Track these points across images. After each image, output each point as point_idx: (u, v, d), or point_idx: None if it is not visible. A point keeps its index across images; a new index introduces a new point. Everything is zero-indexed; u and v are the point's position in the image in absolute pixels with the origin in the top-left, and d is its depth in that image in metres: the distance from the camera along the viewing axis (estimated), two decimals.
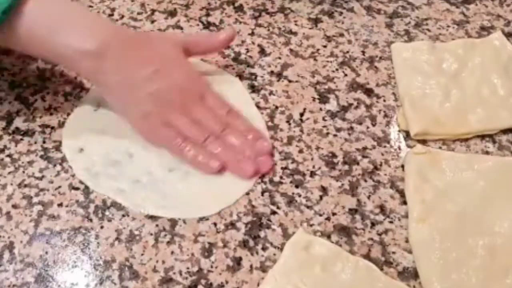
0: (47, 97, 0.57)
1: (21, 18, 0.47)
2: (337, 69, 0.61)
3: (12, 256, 0.46)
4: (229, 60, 0.61)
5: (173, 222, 0.49)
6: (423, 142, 0.55)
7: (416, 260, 0.47)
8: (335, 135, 0.56)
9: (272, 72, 0.61)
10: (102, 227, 0.48)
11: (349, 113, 0.58)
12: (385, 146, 0.55)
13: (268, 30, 0.65)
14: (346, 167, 0.53)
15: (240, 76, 0.60)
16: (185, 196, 0.51)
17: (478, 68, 0.60)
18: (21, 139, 0.54)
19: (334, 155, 0.54)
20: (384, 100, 0.59)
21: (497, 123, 0.56)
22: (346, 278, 0.45)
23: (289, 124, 0.56)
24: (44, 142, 0.54)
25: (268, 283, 0.45)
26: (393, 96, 0.59)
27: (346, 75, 0.61)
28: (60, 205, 0.49)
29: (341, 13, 0.67)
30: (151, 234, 0.48)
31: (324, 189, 0.52)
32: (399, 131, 0.56)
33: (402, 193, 0.51)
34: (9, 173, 0.51)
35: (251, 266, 0.47)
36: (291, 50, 0.63)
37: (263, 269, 0.46)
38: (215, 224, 0.49)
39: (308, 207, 0.50)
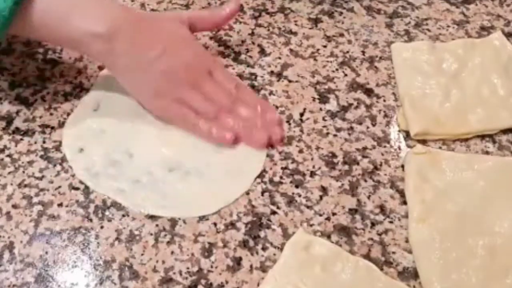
0: (47, 97, 0.57)
1: (33, 6, 0.48)
2: (337, 69, 0.61)
3: (12, 256, 0.46)
4: (229, 60, 0.61)
5: (173, 222, 0.49)
6: (423, 142, 0.55)
7: (416, 260, 0.47)
8: (335, 135, 0.56)
9: (272, 72, 0.61)
10: (102, 227, 0.48)
11: (349, 113, 0.58)
12: (385, 146, 0.55)
13: (268, 30, 0.65)
14: (346, 167, 0.53)
15: (240, 76, 0.60)
16: (185, 196, 0.51)
17: (478, 68, 0.60)
18: (21, 139, 0.54)
19: (334, 155, 0.54)
20: (384, 100, 0.59)
21: (497, 123, 0.56)
22: (346, 278, 0.45)
23: (289, 124, 0.56)
24: (44, 142, 0.54)
25: (268, 283, 0.45)
26: (393, 96, 0.59)
27: (346, 75, 0.61)
28: (60, 205, 0.49)
29: (341, 13, 0.67)
30: (151, 234, 0.48)
31: (324, 189, 0.52)
32: (399, 131, 0.56)
33: (402, 193, 0.51)
34: (9, 173, 0.51)
35: (251, 266, 0.47)
36: (291, 50, 0.63)
37: (263, 269, 0.46)
38: (215, 224, 0.49)
39: (308, 207, 0.50)
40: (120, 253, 0.47)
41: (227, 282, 0.46)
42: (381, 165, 0.54)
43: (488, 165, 0.52)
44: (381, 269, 0.46)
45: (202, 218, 0.49)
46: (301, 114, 0.57)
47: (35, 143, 0.53)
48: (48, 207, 0.49)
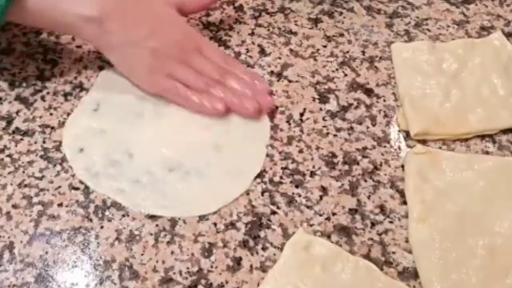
0: (47, 97, 0.57)
1: None
2: (337, 69, 0.61)
3: (12, 256, 0.46)
4: None
5: (173, 222, 0.49)
6: (423, 142, 0.55)
7: (416, 260, 0.47)
8: (335, 135, 0.56)
9: (272, 72, 0.61)
10: (102, 227, 0.48)
11: (349, 113, 0.58)
12: (385, 146, 0.55)
13: (268, 30, 0.65)
14: (346, 167, 0.53)
15: None
16: (185, 195, 0.51)
17: (478, 68, 0.60)
18: (21, 139, 0.54)
19: (334, 155, 0.54)
20: (384, 100, 0.59)
21: (497, 123, 0.56)
22: (346, 278, 0.45)
23: (289, 124, 0.56)
24: (44, 142, 0.54)
25: (268, 283, 0.45)
26: (393, 96, 0.59)
27: (346, 75, 0.61)
28: (60, 205, 0.49)
29: (341, 13, 0.67)
30: (151, 234, 0.48)
31: (324, 189, 0.52)
32: (399, 131, 0.56)
33: (402, 193, 0.51)
34: (9, 173, 0.51)
35: (251, 266, 0.47)
36: (291, 50, 0.63)
37: (263, 269, 0.46)
38: (215, 224, 0.49)
39: (308, 207, 0.50)
40: (120, 253, 0.47)
41: (227, 282, 0.46)
42: (381, 165, 0.54)
43: (488, 165, 0.52)
44: (381, 269, 0.46)
45: (202, 218, 0.49)
46: (301, 114, 0.57)
47: (35, 143, 0.53)
48: (48, 207, 0.49)
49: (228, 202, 0.50)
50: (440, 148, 0.55)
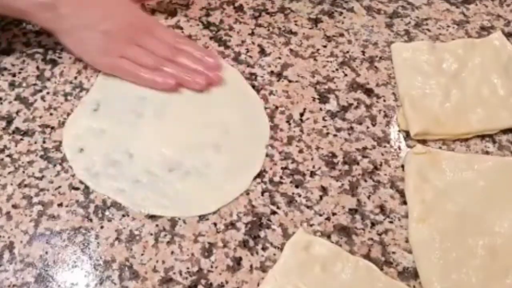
0: (47, 97, 0.57)
1: None
2: (337, 69, 0.61)
3: (12, 256, 0.46)
4: (229, 60, 0.61)
5: (173, 222, 0.49)
6: (423, 142, 0.55)
7: (416, 260, 0.47)
8: (335, 135, 0.56)
9: (272, 72, 0.61)
10: (102, 227, 0.48)
11: (349, 113, 0.58)
12: (385, 146, 0.55)
13: (268, 30, 0.65)
14: (346, 167, 0.53)
15: (241, 75, 0.60)
16: (185, 195, 0.51)
17: (478, 68, 0.60)
18: (21, 139, 0.54)
19: (334, 155, 0.54)
20: (384, 100, 0.59)
21: (497, 123, 0.56)
22: (346, 278, 0.45)
23: (289, 124, 0.56)
24: (44, 142, 0.54)
25: (268, 283, 0.45)
26: (393, 96, 0.59)
27: (346, 75, 0.61)
28: (60, 205, 0.49)
29: (341, 13, 0.67)
30: (151, 234, 0.48)
31: (324, 189, 0.52)
32: (399, 131, 0.56)
33: (402, 193, 0.51)
34: (9, 173, 0.51)
35: (251, 266, 0.47)
36: (291, 50, 0.63)
37: (263, 269, 0.46)
38: (215, 224, 0.49)
39: (308, 207, 0.50)
40: (120, 253, 0.47)
41: (227, 282, 0.46)
42: (381, 165, 0.54)
43: (488, 165, 0.52)
44: (381, 269, 0.46)
45: (202, 218, 0.49)
46: (301, 114, 0.57)
47: (35, 143, 0.53)
48: (48, 207, 0.49)
49: (228, 202, 0.50)
50: (440, 148, 0.55)
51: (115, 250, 0.47)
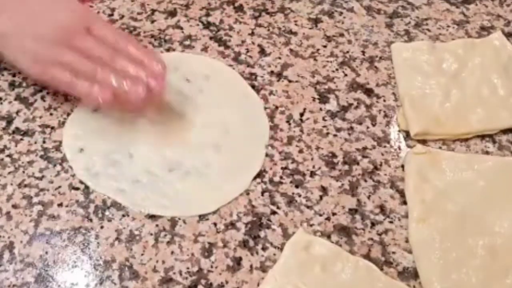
0: (47, 97, 0.57)
1: None
2: (337, 69, 0.61)
3: (12, 256, 0.46)
4: (229, 60, 0.61)
5: (173, 222, 0.49)
6: (423, 142, 0.55)
7: (416, 260, 0.47)
8: (335, 135, 0.56)
9: (272, 72, 0.61)
10: (102, 227, 0.48)
11: (349, 113, 0.58)
12: (385, 146, 0.55)
13: (268, 30, 0.65)
14: (346, 167, 0.53)
15: (240, 76, 0.60)
16: (185, 195, 0.51)
17: (478, 68, 0.60)
18: (21, 139, 0.54)
19: (334, 155, 0.54)
20: (384, 100, 0.59)
21: (497, 123, 0.56)
22: (346, 278, 0.45)
23: (289, 124, 0.56)
24: (44, 142, 0.54)
25: (268, 283, 0.45)
26: (393, 96, 0.59)
27: (346, 75, 0.61)
28: (60, 205, 0.49)
29: (341, 13, 0.67)
30: (151, 234, 0.48)
31: (324, 189, 0.52)
32: (399, 131, 0.56)
33: (402, 193, 0.51)
34: (9, 173, 0.51)
35: (251, 266, 0.47)
36: (291, 50, 0.63)
37: (263, 269, 0.46)
38: (215, 224, 0.49)
39: (308, 207, 0.50)
40: (120, 253, 0.47)
41: (227, 282, 0.46)
42: (381, 165, 0.54)
43: (488, 165, 0.52)
44: (381, 269, 0.46)
45: (202, 218, 0.49)
46: (301, 114, 0.57)
47: (35, 143, 0.53)
48: (48, 207, 0.49)
49: (228, 202, 0.50)
50: (440, 148, 0.55)
51: (115, 250, 0.47)
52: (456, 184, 0.51)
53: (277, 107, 0.57)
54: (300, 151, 0.54)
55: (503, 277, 0.45)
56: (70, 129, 0.55)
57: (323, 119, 0.57)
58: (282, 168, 0.53)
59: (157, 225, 0.49)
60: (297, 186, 0.52)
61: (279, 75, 0.60)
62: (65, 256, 0.46)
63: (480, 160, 0.53)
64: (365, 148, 0.55)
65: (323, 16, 0.67)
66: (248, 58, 0.62)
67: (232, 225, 0.49)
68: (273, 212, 0.50)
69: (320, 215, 0.50)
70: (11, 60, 0.54)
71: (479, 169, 0.52)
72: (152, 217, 0.49)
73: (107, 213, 0.49)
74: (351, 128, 0.56)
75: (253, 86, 0.59)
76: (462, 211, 0.49)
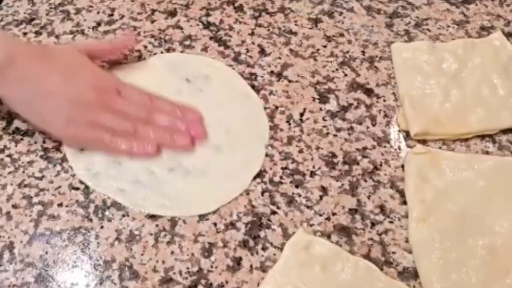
0: None
1: None
2: (337, 69, 0.61)
3: (12, 256, 0.46)
4: (229, 60, 0.61)
5: (173, 222, 0.49)
6: (423, 142, 0.55)
7: (416, 260, 0.47)
8: (335, 135, 0.56)
9: (272, 72, 0.61)
10: (102, 227, 0.48)
11: (349, 113, 0.58)
12: (385, 146, 0.55)
13: (268, 30, 0.65)
14: (346, 167, 0.53)
15: (240, 76, 0.60)
16: (185, 195, 0.51)
17: (478, 68, 0.60)
18: (21, 139, 0.54)
19: (334, 155, 0.54)
20: (384, 100, 0.59)
21: (497, 123, 0.56)
22: (346, 278, 0.45)
23: (289, 124, 0.56)
24: (44, 142, 0.54)
25: (268, 283, 0.45)
26: (393, 96, 0.59)
27: (346, 75, 0.61)
28: (60, 205, 0.49)
29: (341, 13, 0.67)
30: (151, 234, 0.48)
31: (324, 189, 0.52)
32: (399, 131, 0.56)
33: (402, 193, 0.51)
34: (9, 173, 0.51)
35: (251, 266, 0.47)
36: (291, 50, 0.63)
37: (263, 269, 0.46)
38: (215, 224, 0.49)
39: (308, 207, 0.50)
40: (120, 253, 0.47)
41: (227, 282, 0.46)
42: (381, 165, 0.54)
43: (488, 165, 0.52)
44: (381, 269, 0.46)
45: (202, 218, 0.49)
46: (301, 114, 0.57)
47: (35, 143, 0.53)
48: (48, 207, 0.49)
49: (228, 202, 0.50)
50: (440, 148, 0.55)
51: (115, 250, 0.47)
52: (456, 184, 0.51)
53: (277, 107, 0.57)
54: (300, 151, 0.54)
55: (503, 277, 0.45)
56: None
57: (323, 119, 0.57)
58: (282, 168, 0.53)
59: (157, 225, 0.49)
60: (297, 186, 0.52)
61: (279, 75, 0.60)
62: (65, 256, 0.46)
63: (480, 160, 0.53)
64: (365, 148, 0.55)
65: (323, 16, 0.67)
66: (248, 58, 0.62)
67: (232, 225, 0.49)
68: (273, 212, 0.50)
69: (320, 215, 0.50)
70: (40, 123, 0.52)
71: (479, 169, 0.52)
72: (152, 217, 0.49)
73: (107, 213, 0.49)
74: (351, 128, 0.56)
75: (253, 86, 0.59)
76: (462, 211, 0.49)
